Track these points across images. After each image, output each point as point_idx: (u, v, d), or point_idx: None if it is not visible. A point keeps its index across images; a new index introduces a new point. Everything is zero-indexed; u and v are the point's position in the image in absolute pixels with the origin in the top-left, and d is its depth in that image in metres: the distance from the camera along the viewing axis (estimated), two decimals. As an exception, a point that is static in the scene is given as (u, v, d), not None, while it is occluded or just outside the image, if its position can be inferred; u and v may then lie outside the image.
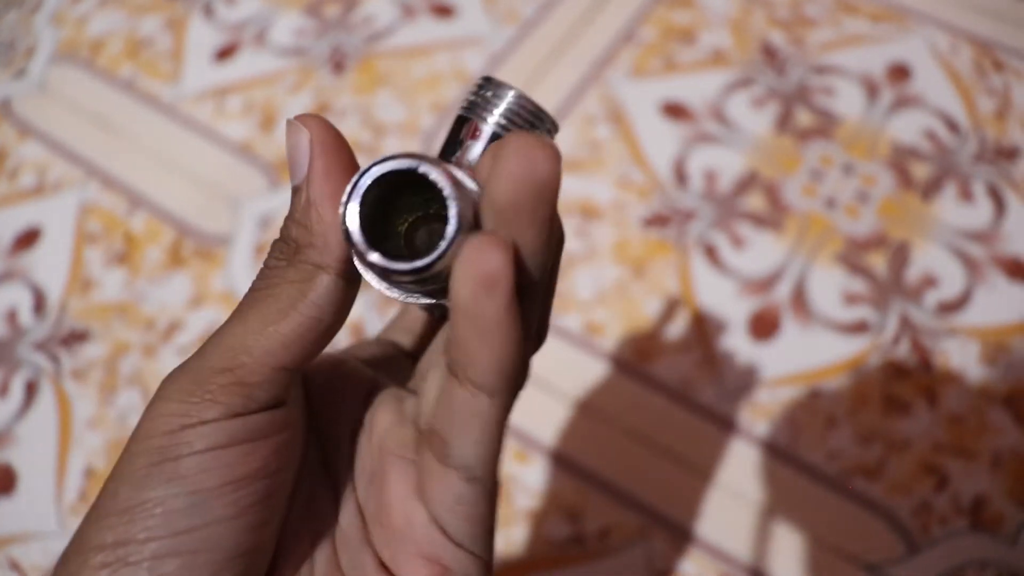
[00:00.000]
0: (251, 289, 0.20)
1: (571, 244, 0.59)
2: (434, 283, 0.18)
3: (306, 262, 0.19)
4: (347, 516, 0.22)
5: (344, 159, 0.19)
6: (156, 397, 0.19)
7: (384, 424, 0.22)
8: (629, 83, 0.66)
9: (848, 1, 0.69)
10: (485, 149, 0.20)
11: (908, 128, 0.62)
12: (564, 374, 0.54)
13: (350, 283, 0.20)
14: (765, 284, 0.57)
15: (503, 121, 0.20)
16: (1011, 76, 0.64)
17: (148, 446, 0.18)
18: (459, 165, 0.20)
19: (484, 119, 0.20)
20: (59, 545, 0.51)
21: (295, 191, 0.20)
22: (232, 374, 0.19)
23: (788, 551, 0.49)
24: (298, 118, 0.20)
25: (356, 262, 0.19)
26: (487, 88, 0.21)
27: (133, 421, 0.55)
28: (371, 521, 0.21)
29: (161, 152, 0.66)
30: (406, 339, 0.27)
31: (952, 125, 0.62)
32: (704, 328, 0.55)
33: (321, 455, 0.23)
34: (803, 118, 0.63)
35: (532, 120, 0.20)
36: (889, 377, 0.53)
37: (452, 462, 0.18)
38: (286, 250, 0.19)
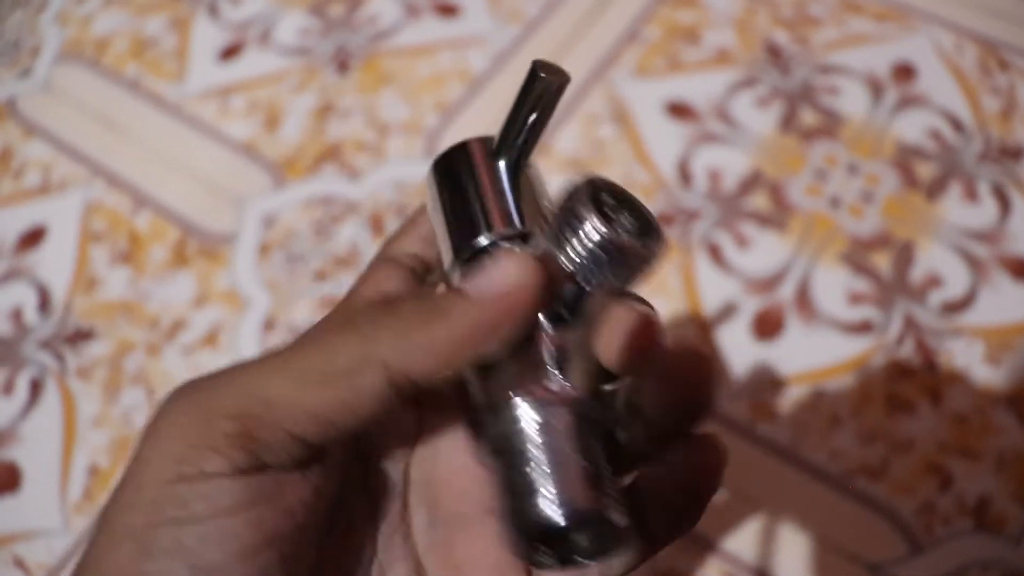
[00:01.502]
0: (328, 317, 0.19)
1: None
2: None
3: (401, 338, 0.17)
4: (392, 554, 0.20)
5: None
6: (160, 419, 0.17)
7: (449, 466, 0.20)
8: (633, 82, 0.66)
9: (852, 0, 0.69)
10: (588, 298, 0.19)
11: (913, 128, 0.62)
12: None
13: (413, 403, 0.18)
14: (769, 283, 0.57)
15: (609, 283, 0.18)
16: (1016, 75, 0.64)
17: (145, 498, 0.16)
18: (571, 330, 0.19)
19: (588, 281, 0.18)
20: (63, 543, 0.51)
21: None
22: (241, 423, 0.16)
23: (791, 551, 0.49)
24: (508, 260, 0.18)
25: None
26: (591, 228, 0.18)
27: (137, 420, 0.55)
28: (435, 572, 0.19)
29: (165, 151, 0.66)
30: (428, 250, 0.24)
31: (957, 124, 0.62)
32: (707, 327, 0.55)
33: (360, 470, 0.21)
34: (807, 118, 0.63)
35: (637, 263, 0.19)
36: (893, 377, 0.53)
37: None
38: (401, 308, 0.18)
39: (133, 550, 0.16)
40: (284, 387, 0.17)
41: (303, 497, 0.17)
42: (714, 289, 0.57)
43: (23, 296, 0.60)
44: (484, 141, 0.22)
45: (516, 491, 0.17)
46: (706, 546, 0.49)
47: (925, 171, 0.60)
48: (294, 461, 0.17)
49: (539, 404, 0.18)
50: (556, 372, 0.18)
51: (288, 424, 0.16)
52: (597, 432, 0.18)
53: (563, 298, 0.18)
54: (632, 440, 0.19)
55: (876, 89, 0.64)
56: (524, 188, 0.21)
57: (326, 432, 0.17)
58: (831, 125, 0.63)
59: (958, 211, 0.59)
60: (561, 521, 0.17)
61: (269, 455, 0.16)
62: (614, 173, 0.62)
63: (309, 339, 0.18)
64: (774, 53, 0.67)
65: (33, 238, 0.63)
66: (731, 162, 0.62)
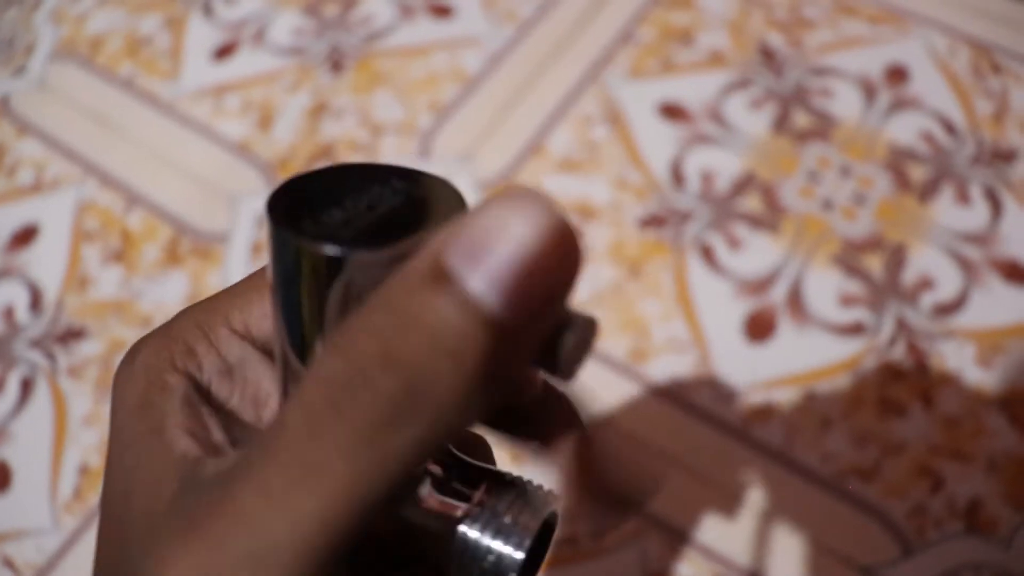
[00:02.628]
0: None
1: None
2: None
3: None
4: None
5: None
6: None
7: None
8: (627, 84, 0.66)
9: (847, 3, 0.69)
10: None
11: (906, 130, 0.62)
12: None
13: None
14: (761, 285, 0.57)
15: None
16: (1009, 79, 0.64)
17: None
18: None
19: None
20: (53, 542, 0.51)
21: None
22: None
23: (783, 553, 0.49)
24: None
25: None
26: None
27: (128, 419, 0.55)
28: None
29: (159, 150, 0.66)
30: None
31: (950, 127, 0.62)
32: (700, 329, 0.55)
33: None
34: (801, 119, 0.63)
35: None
36: (885, 379, 0.53)
37: None
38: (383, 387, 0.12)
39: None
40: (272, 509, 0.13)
41: None
42: (706, 290, 0.57)
43: (14, 295, 0.60)
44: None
45: None
46: (697, 547, 0.49)
47: (917, 173, 0.61)
48: None
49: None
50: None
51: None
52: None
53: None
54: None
55: (869, 91, 0.64)
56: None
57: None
58: (824, 127, 0.63)
59: (950, 214, 0.59)
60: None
61: None
62: (607, 174, 0.62)
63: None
64: (767, 55, 0.67)
65: (25, 237, 0.63)
66: (724, 164, 0.62)
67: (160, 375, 0.16)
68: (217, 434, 0.16)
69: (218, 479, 0.13)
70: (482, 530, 0.16)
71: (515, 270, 0.12)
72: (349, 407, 0.12)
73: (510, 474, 0.17)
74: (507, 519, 0.16)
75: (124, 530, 0.14)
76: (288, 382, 0.16)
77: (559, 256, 0.12)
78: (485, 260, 0.12)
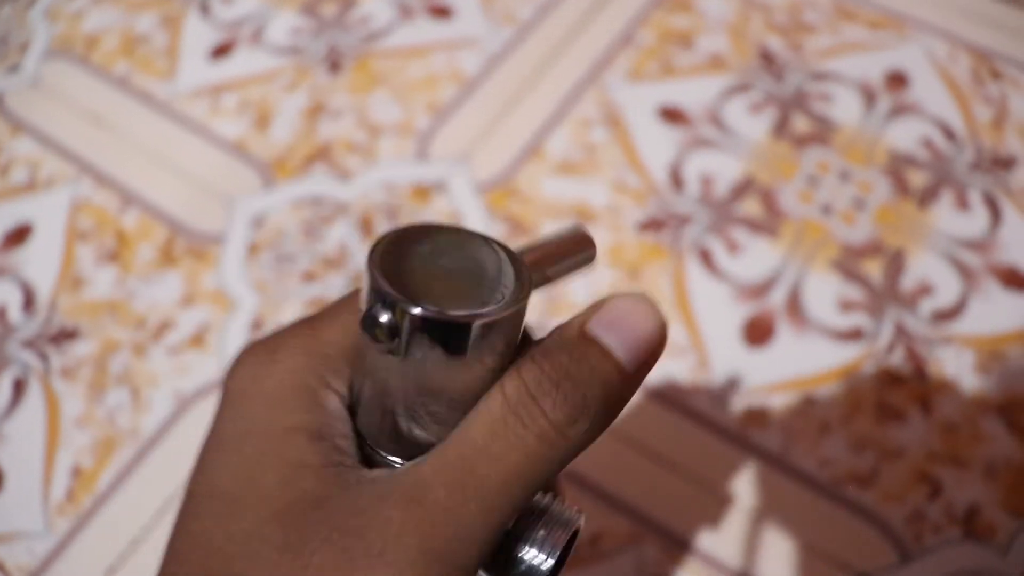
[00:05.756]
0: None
1: (566, 247, 0.59)
2: None
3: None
4: None
5: None
6: None
7: None
8: (626, 87, 0.66)
9: (847, 8, 0.69)
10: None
11: (905, 136, 0.62)
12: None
13: None
14: (760, 290, 0.56)
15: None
16: (1009, 85, 0.64)
17: None
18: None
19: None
20: (45, 545, 0.51)
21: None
22: None
23: (780, 558, 0.48)
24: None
25: None
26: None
27: (122, 420, 0.54)
28: None
29: (155, 149, 0.65)
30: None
31: (949, 133, 0.62)
32: (698, 333, 0.55)
33: None
34: (800, 124, 0.63)
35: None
36: (883, 385, 0.53)
37: None
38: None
39: None
40: None
41: None
42: (704, 295, 0.56)
43: (7, 295, 0.60)
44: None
45: None
46: (695, 553, 0.49)
47: (917, 179, 0.60)
48: None
49: None
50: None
51: None
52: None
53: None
54: None
55: (869, 97, 0.64)
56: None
57: None
58: (824, 132, 0.63)
59: (949, 220, 0.59)
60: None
61: None
62: (606, 177, 0.61)
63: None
64: (767, 59, 0.67)
65: (18, 236, 0.62)
66: (723, 168, 0.61)
67: (314, 389, 0.18)
68: (357, 450, 0.18)
69: (419, 469, 0.17)
70: (518, 540, 0.18)
71: (638, 341, 0.18)
72: (547, 404, 0.17)
73: (541, 493, 0.20)
74: (541, 532, 0.19)
75: (236, 507, 0.16)
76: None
77: (660, 340, 0.19)
78: (622, 331, 0.18)
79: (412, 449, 0.18)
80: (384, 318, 0.16)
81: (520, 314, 0.18)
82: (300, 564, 0.15)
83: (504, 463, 0.16)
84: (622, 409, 0.19)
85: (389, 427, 0.18)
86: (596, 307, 0.18)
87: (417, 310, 0.16)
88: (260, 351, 0.19)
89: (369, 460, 0.18)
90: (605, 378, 0.18)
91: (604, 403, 0.18)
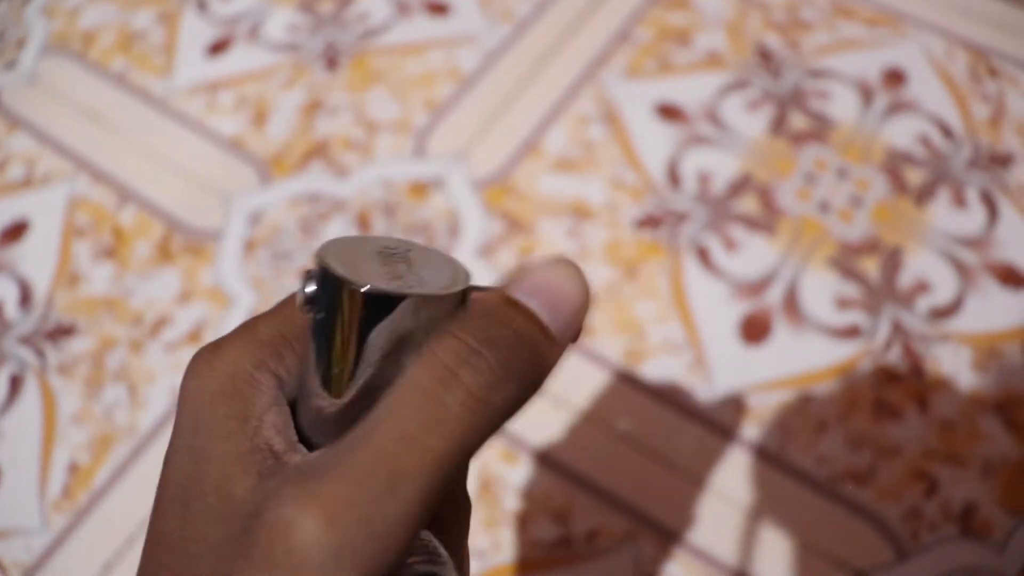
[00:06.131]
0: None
1: (563, 244, 0.59)
2: None
3: None
4: None
5: None
6: None
7: None
8: (624, 84, 0.66)
9: (844, 5, 0.69)
10: None
11: (902, 133, 0.62)
12: (553, 375, 0.54)
13: None
14: (757, 287, 0.56)
15: None
16: (1006, 83, 0.64)
17: None
18: None
19: None
20: (41, 541, 0.51)
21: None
22: None
23: (776, 556, 0.48)
24: None
25: None
26: None
27: (119, 416, 0.54)
28: None
29: (151, 146, 0.65)
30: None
31: (946, 131, 0.62)
32: (695, 331, 0.55)
33: None
34: (798, 121, 0.63)
35: None
36: (880, 382, 0.53)
37: None
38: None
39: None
40: None
41: None
42: (702, 292, 0.56)
43: (4, 291, 0.59)
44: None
45: None
46: (691, 550, 0.49)
47: (914, 177, 0.60)
48: None
49: None
50: None
51: None
52: None
53: None
54: None
55: (866, 94, 0.64)
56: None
57: None
58: (821, 129, 0.63)
59: (947, 217, 0.59)
60: None
61: None
62: (603, 174, 0.61)
63: None
64: (765, 56, 0.67)
65: (16, 232, 0.62)
66: (720, 165, 0.61)
67: (250, 372, 0.18)
68: (294, 435, 0.18)
69: (329, 453, 0.16)
70: None
71: (563, 304, 0.18)
72: (466, 373, 0.16)
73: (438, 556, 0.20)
74: None
75: (189, 505, 0.17)
76: (311, 396, 0.18)
77: (584, 302, 0.18)
78: (545, 294, 0.18)
79: (339, 434, 0.18)
80: (310, 288, 0.17)
81: (429, 303, 0.17)
82: (233, 568, 0.16)
83: (421, 444, 0.16)
84: (548, 374, 0.18)
85: (314, 411, 0.18)
86: (517, 275, 0.18)
87: (328, 270, 0.17)
88: (206, 350, 0.19)
89: (308, 442, 0.18)
90: (531, 341, 0.17)
91: (532, 367, 0.17)
